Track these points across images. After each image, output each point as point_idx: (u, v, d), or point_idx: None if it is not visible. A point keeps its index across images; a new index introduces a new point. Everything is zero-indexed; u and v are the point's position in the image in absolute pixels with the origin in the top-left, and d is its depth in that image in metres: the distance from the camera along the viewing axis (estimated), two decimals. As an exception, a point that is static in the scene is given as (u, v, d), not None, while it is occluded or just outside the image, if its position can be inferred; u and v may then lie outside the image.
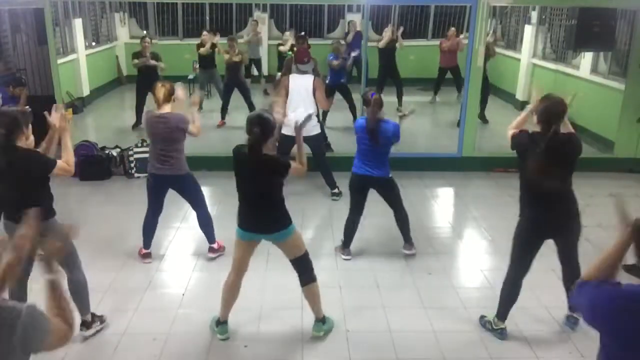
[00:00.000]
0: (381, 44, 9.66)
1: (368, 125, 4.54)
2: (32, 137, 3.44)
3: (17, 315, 1.66)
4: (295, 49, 7.49)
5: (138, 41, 9.08)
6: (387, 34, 9.72)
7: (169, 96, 4.52)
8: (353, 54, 9.20)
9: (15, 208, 3.28)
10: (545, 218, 3.53)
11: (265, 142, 3.38)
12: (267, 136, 3.40)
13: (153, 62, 8.63)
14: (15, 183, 3.33)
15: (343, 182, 6.05)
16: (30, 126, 3.43)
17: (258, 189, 3.47)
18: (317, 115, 6.23)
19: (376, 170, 4.65)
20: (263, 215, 3.51)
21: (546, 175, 3.34)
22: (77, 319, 3.66)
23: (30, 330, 1.67)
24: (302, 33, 9.49)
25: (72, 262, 3.59)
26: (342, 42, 9.36)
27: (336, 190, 6.30)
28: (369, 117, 4.56)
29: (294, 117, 6.03)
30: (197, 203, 4.77)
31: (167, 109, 4.51)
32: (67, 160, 3.48)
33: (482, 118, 9.32)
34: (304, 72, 6.13)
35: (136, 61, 8.69)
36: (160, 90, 4.49)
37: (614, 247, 1.95)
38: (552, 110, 3.40)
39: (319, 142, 6.33)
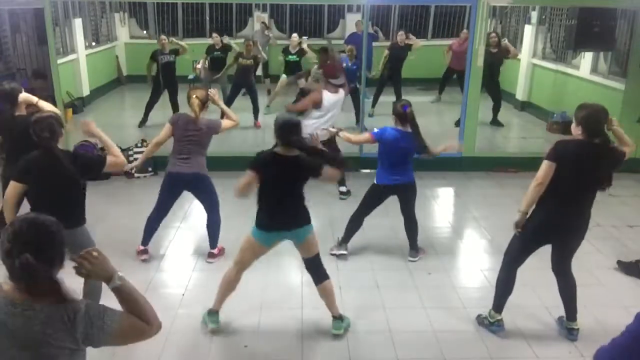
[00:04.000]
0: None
1: (417, 142, 4.58)
2: None
3: (78, 310, 1.78)
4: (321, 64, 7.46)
5: (138, 41, 9.10)
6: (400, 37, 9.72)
7: (204, 105, 4.60)
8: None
9: (59, 214, 3.29)
10: (560, 222, 3.54)
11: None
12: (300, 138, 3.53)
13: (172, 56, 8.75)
14: (62, 185, 3.33)
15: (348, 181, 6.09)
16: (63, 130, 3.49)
17: (293, 188, 3.54)
18: None
19: (405, 176, 4.69)
20: (294, 211, 3.58)
21: (584, 183, 3.41)
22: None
23: (88, 326, 1.79)
24: (325, 44, 9.18)
25: (97, 289, 3.57)
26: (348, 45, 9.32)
27: (344, 189, 6.28)
28: (415, 133, 4.57)
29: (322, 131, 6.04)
30: (211, 207, 4.78)
31: (201, 116, 4.60)
32: (114, 154, 3.51)
33: (497, 122, 9.25)
34: (338, 86, 6.06)
35: (151, 72, 8.84)
36: (195, 101, 4.53)
37: None
38: (593, 117, 3.42)
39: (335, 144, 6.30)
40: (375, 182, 4.79)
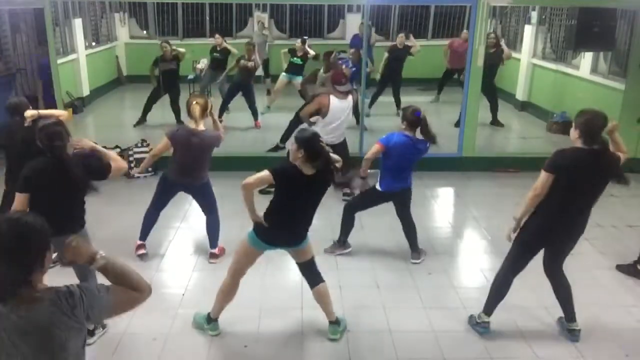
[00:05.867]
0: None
1: (426, 146, 4.59)
2: None
3: (73, 293, 1.84)
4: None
5: (138, 41, 9.07)
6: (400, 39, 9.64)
7: (204, 112, 4.54)
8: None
9: (64, 219, 3.19)
10: (559, 229, 3.56)
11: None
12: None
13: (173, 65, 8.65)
14: (70, 191, 3.36)
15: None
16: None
17: (309, 206, 3.54)
18: None
19: (409, 180, 4.73)
20: (300, 229, 3.59)
21: (583, 191, 3.42)
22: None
23: (88, 308, 1.86)
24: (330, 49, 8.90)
25: (88, 272, 3.52)
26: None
27: (348, 190, 6.25)
28: (427, 138, 4.57)
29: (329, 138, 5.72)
30: (210, 209, 4.78)
31: (202, 125, 4.54)
32: (115, 160, 3.62)
33: (497, 122, 9.23)
34: (345, 92, 5.98)
35: (156, 72, 8.77)
36: (196, 107, 4.49)
37: None
38: (593, 122, 3.41)
39: (344, 148, 6.26)
40: (378, 187, 4.73)
